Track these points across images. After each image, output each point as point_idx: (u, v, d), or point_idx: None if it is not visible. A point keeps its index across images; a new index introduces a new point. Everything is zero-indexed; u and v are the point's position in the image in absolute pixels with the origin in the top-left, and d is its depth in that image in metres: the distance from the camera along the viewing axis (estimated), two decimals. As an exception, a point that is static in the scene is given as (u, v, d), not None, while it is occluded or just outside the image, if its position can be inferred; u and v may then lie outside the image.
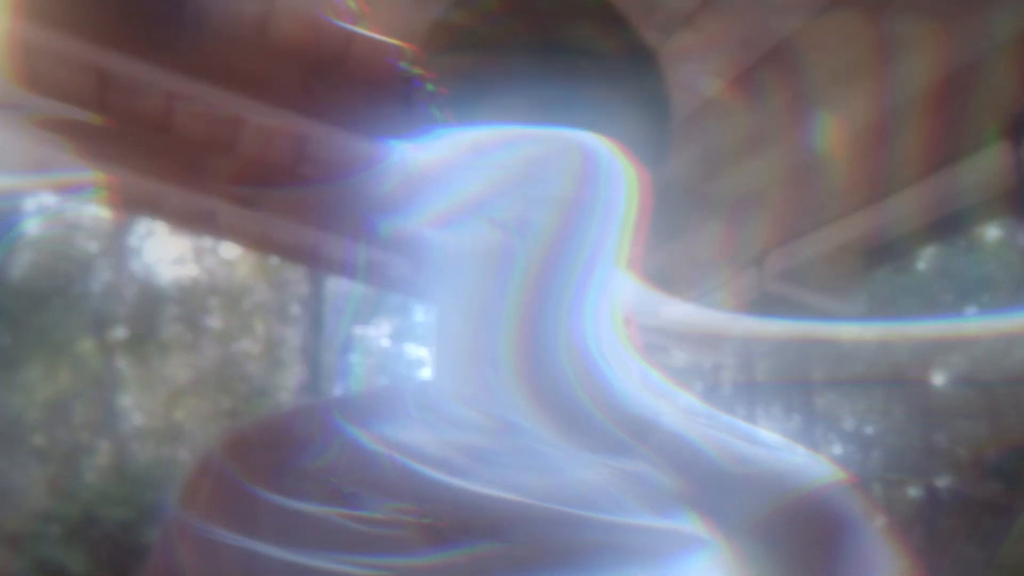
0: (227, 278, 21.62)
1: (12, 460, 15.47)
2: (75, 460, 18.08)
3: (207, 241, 22.89)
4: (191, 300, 20.72)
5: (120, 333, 21.72)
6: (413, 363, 16.83)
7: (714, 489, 0.88)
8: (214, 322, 20.59)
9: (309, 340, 18.95)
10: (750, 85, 1.76)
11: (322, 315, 18.96)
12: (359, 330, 19.65)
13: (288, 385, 19.72)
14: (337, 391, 20.38)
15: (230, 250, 22.65)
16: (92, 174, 2.91)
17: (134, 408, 21.40)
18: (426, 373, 1.01)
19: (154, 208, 3.11)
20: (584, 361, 0.91)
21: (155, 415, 21.05)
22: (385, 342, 19.28)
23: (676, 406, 0.99)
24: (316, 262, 3.07)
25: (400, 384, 1.01)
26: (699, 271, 2.26)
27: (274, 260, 21.11)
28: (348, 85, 2.10)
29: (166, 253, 31.69)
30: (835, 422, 20.48)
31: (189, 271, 22.73)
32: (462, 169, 0.80)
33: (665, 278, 2.29)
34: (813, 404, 20.54)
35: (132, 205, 3.19)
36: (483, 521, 0.85)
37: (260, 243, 3.15)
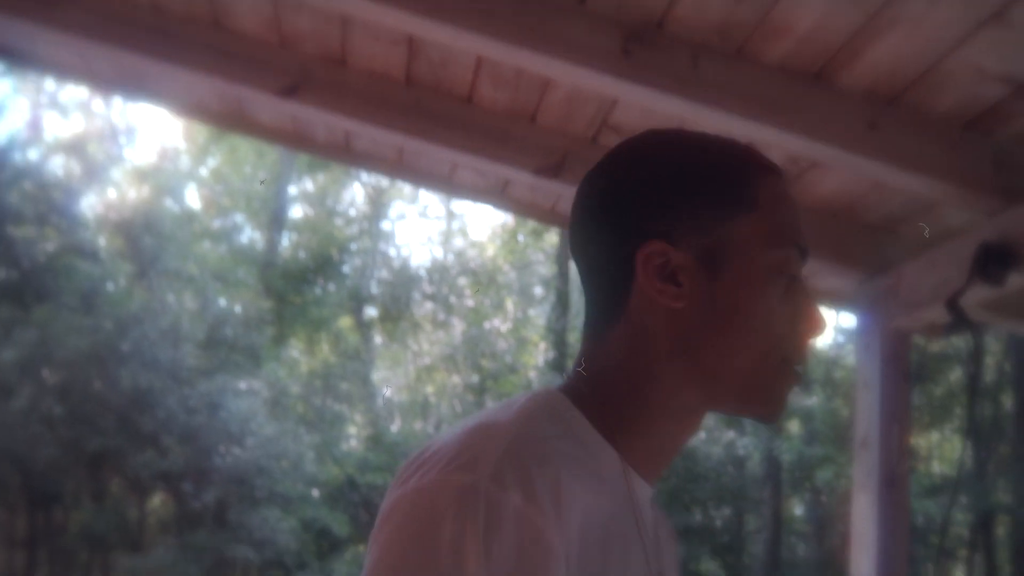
0: (474, 259, 22.30)
1: (282, 427, 16.62)
2: (336, 429, 19.25)
3: (455, 223, 23.68)
4: (441, 280, 21.55)
5: (375, 311, 22.94)
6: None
7: None
8: (462, 301, 21.32)
9: (555, 319, 19.27)
10: None
11: (568, 295, 19.22)
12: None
13: (535, 363, 20.14)
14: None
15: (477, 232, 23.32)
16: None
17: (387, 382, 22.53)
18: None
19: (447, 181, 3.17)
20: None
21: (407, 389, 22.08)
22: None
23: None
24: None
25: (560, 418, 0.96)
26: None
27: (520, 242, 21.52)
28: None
29: (417, 235, 32.96)
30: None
31: (438, 252, 23.67)
32: None
33: (1008, 246, 2.08)
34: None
35: (426, 180, 3.27)
36: None
37: (551, 216, 3.15)
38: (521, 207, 3.27)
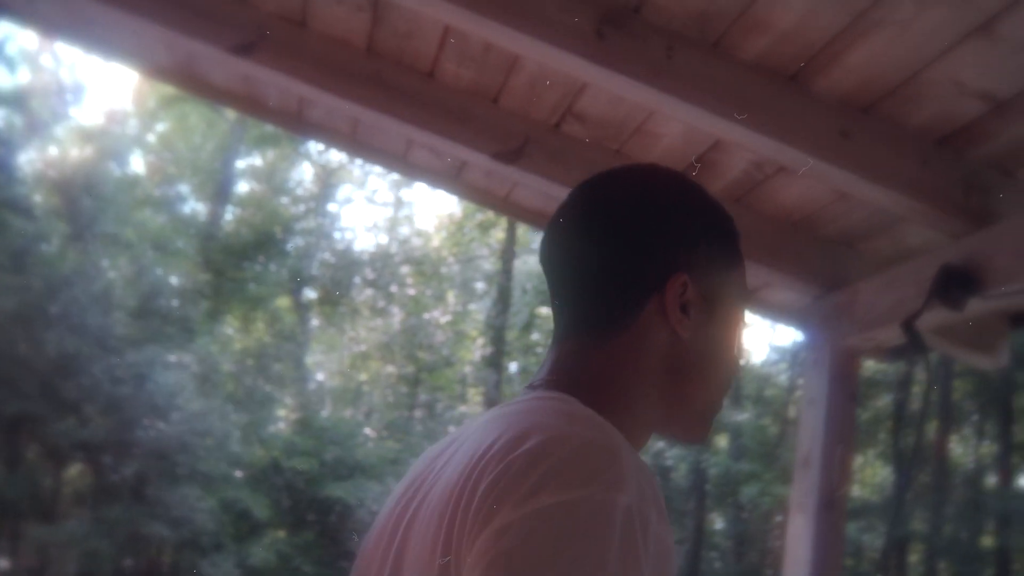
0: (419, 249, 22.11)
1: (209, 404, 16.30)
2: (265, 410, 18.94)
3: (403, 211, 23.44)
4: (383, 267, 21.32)
5: (314, 293, 22.63)
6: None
7: None
8: (403, 290, 21.12)
9: (495, 316, 19.15)
10: None
11: (510, 292, 19.13)
12: (544, 310, 19.66)
13: (472, 358, 20.00)
14: (516, 367, 20.62)
15: (424, 221, 23.09)
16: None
17: (321, 366, 22.23)
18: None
19: (402, 160, 3.07)
20: None
21: (340, 375, 21.81)
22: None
23: None
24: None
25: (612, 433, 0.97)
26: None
27: (465, 234, 21.36)
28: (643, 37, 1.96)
29: (363, 220, 32.61)
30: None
31: (382, 239, 23.41)
32: None
33: (971, 269, 2.04)
34: (1011, 432, 19.23)
35: (379, 157, 3.16)
36: None
37: (504, 205, 3.05)
38: (475, 193, 3.16)
